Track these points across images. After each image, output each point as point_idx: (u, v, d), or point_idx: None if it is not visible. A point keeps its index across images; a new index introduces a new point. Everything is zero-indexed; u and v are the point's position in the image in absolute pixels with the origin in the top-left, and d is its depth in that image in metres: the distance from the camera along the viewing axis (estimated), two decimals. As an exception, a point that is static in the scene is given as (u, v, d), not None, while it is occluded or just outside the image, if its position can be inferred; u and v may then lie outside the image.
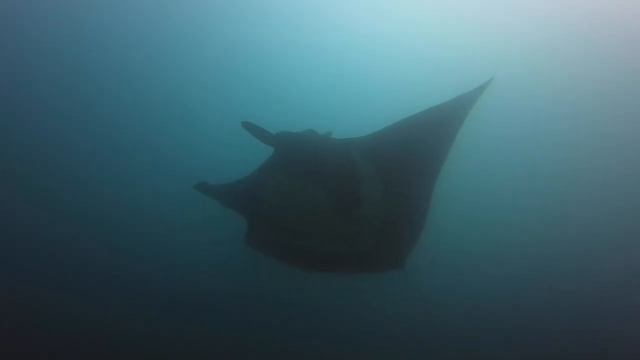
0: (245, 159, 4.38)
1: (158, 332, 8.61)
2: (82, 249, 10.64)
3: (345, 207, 3.97)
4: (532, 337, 9.87)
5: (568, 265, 10.93)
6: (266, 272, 8.60)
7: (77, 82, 15.08)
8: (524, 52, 13.75)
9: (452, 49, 14.04)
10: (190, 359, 8.32)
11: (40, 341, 7.87)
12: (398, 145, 3.83)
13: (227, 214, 4.47)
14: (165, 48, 15.92)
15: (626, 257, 11.14)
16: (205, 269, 10.14)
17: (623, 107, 13.41)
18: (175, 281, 10.04)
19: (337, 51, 16.37)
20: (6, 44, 13.89)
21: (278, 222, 4.21)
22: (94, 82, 15.56)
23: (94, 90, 15.71)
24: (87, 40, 15.21)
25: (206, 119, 16.01)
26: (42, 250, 11.01)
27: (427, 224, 4.16)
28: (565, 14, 14.17)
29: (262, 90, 16.97)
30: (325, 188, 3.93)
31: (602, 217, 11.67)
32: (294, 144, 4.00)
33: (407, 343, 8.94)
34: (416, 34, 14.52)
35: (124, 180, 14.53)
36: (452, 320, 9.08)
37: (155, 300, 9.50)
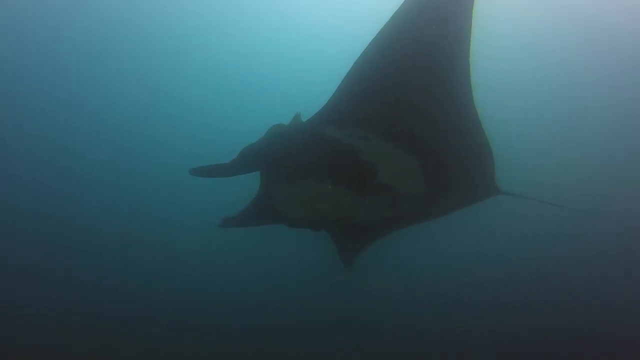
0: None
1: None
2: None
3: (363, 186, 3.49)
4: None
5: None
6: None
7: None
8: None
9: None
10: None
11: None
12: (372, 91, 3.01)
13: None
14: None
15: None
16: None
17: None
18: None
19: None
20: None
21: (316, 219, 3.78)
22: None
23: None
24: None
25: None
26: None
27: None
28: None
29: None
30: (329, 178, 3.48)
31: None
32: (264, 156, 3.59)
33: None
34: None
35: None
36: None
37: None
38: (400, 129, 3.14)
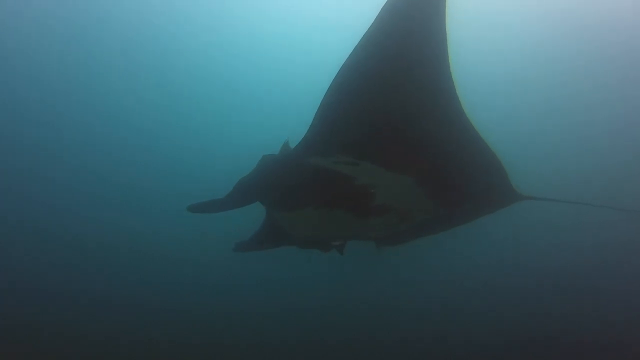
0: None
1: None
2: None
3: (364, 209, 3.41)
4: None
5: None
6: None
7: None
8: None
9: None
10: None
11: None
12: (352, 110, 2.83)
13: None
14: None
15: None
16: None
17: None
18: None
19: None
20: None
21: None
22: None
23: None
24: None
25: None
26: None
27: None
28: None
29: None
30: (326, 204, 3.42)
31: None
32: (258, 190, 3.57)
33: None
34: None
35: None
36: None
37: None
38: (385, 150, 3.02)
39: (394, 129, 2.90)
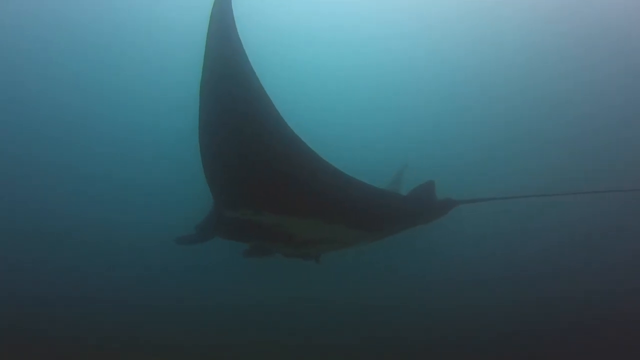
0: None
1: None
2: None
3: (298, 242, 3.61)
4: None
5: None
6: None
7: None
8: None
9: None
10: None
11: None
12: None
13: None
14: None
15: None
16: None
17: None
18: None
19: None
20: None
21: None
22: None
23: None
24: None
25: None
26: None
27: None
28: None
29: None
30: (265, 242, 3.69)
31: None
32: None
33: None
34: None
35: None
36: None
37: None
38: (274, 199, 3.12)
39: (266, 180, 3.01)
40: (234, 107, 2.74)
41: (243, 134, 2.81)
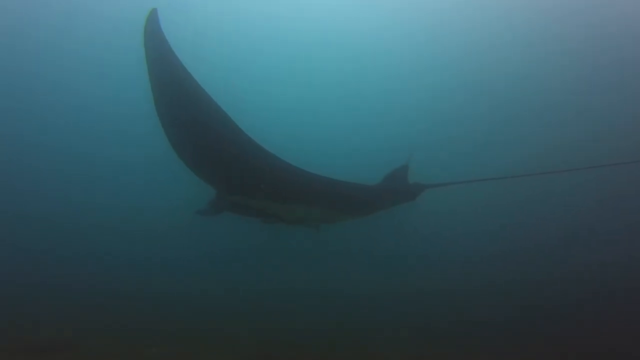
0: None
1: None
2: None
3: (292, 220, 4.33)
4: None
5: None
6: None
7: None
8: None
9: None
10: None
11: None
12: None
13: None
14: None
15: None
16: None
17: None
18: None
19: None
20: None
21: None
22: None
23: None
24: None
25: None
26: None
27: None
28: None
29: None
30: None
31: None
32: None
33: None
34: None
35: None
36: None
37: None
38: (259, 188, 3.85)
39: (237, 174, 3.75)
40: (186, 117, 3.47)
41: (199, 135, 3.52)
